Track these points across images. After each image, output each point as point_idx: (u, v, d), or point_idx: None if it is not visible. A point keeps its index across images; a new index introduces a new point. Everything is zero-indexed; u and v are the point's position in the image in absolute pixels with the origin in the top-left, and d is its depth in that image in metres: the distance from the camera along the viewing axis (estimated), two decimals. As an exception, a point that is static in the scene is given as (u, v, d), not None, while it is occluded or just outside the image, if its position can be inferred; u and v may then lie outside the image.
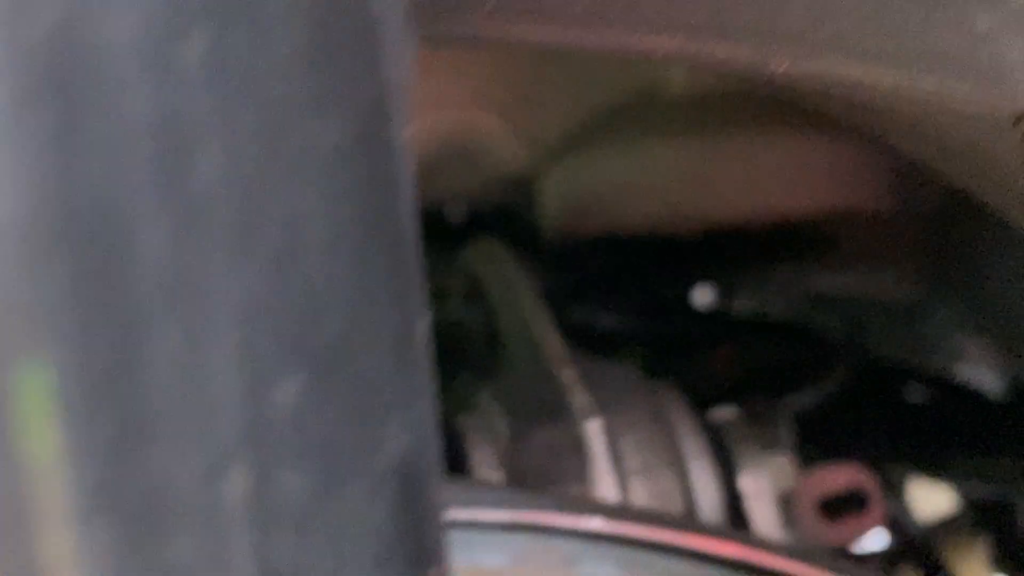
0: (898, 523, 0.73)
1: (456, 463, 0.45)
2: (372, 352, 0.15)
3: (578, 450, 0.42)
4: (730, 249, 0.84)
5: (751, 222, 0.76)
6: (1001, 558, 1.12)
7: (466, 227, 1.32)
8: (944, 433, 1.09)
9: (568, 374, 0.45)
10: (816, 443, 0.82)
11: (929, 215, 1.18)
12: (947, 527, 1.32)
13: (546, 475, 0.42)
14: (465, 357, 0.58)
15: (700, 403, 0.53)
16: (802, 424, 0.71)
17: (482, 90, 0.82)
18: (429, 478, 0.17)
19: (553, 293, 1.14)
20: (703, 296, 1.36)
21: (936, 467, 1.08)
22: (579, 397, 0.44)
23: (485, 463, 0.43)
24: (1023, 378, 1.15)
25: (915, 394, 1.15)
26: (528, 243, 1.25)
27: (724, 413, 0.46)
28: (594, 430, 0.42)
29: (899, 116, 0.38)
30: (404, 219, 0.16)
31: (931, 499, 1.38)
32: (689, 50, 0.33)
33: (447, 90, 0.82)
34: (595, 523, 0.33)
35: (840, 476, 0.54)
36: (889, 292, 1.24)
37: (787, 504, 0.48)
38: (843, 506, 0.55)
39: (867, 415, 1.08)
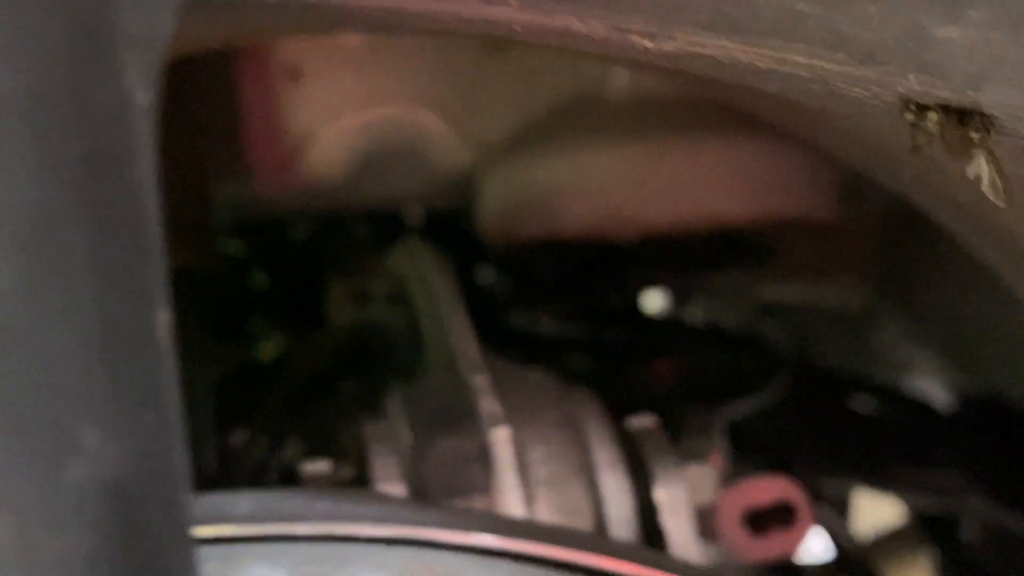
0: (837, 537, 0.71)
1: (359, 474, 0.43)
2: (53, 349, 0.13)
3: (484, 460, 0.40)
4: (677, 255, 0.82)
5: (693, 227, 0.74)
6: (945, 570, 1.11)
7: (424, 230, 1.29)
8: (889, 445, 1.07)
9: (480, 379, 0.43)
10: (757, 453, 0.80)
11: (874, 227, 1.17)
12: (891, 539, 1.31)
13: (450, 486, 0.39)
14: (388, 361, 0.56)
15: (636, 410, 0.51)
16: (743, 434, 0.69)
17: (424, 89, 0.80)
18: (156, 494, 0.14)
19: (497, 299, 1.12)
20: (654, 302, 1.35)
21: (881, 479, 1.07)
22: (488, 404, 0.41)
23: (387, 474, 0.40)
24: (969, 390, 1.14)
25: (861, 405, 1.13)
26: (477, 247, 1.22)
27: (642, 421, 0.44)
28: (501, 439, 0.40)
29: (804, 109, 0.36)
30: (121, 213, 0.13)
31: (876, 511, 1.37)
32: (541, 22, 0.31)
33: (388, 87, 0.80)
34: (484, 539, 0.31)
35: (766, 489, 0.52)
36: (835, 303, 1.23)
37: (709, 517, 0.46)
38: (770, 520, 0.53)
39: (812, 426, 1.07)
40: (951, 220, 0.51)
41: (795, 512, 0.52)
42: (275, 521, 0.31)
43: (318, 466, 0.41)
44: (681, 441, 0.52)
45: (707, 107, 0.77)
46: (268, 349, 1.14)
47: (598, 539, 0.37)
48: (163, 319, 0.14)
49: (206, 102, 0.72)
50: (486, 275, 1.30)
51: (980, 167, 0.26)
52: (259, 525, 0.31)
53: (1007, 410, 0.96)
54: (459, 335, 0.47)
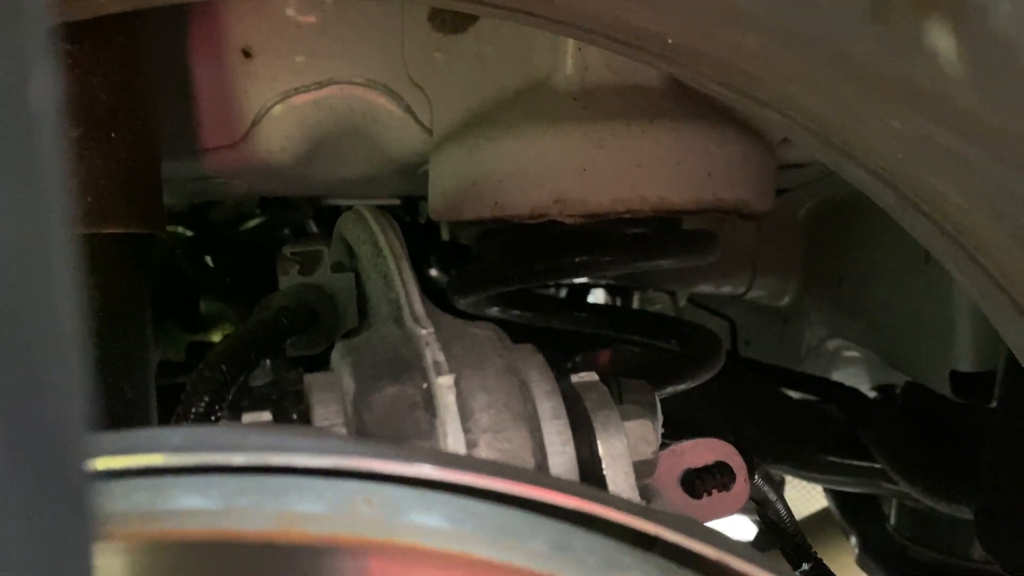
0: (771, 509, 0.70)
1: (302, 422, 0.40)
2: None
3: (427, 407, 0.38)
4: (621, 241, 0.80)
5: (635, 211, 0.73)
6: (866, 547, 1.11)
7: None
8: (817, 433, 1.08)
9: (425, 332, 0.41)
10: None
11: (803, 222, 1.18)
12: (818, 521, 1.32)
13: (392, 432, 0.37)
14: (332, 320, 0.53)
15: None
16: (675, 420, 0.67)
17: (376, 71, 0.78)
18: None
19: (441, 288, 1.10)
20: (595, 291, 1.33)
21: (808, 465, 1.07)
22: (432, 353, 0.39)
23: (328, 421, 0.38)
24: (891, 382, 1.14)
25: (791, 395, 1.13)
26: (423, 238, 1.20)
27: (586, 377, 0.42)
28: (444, 386, 0.38)
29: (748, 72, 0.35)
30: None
31: (803, 496, 1.37)
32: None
33: (340, 68, 0.77)
34: (425, 470, 0.29)
35: (705, 450, 0.50)
36: (766, 297, 1.23)
37: (647, 476, 0.44)
38: (708, 483, 0.52)
39: (742, 414, 1.07)
40: (881, 193, 0.50)
41: (733, 475, 0.51)
42: (208, 451, 0.29)
43: (259, 416, 0.39)
44: (622, 402, 0.50)
45: (652, 95, 0.76)
46: (223, 333, 1.11)
47: (541, 475, 0.36)
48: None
49: (158, 77, 0.69)
50: (431, 264, 1.28)
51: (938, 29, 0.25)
52: (191, 454, 0.28)
53: (927, 398, 0.97)
54: (405, 289, 0.45)
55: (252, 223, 1.32)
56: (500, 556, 0.27)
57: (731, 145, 0.76)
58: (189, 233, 1.13)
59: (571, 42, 0.76)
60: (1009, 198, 0.37)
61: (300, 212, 1.33)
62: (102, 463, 0.28)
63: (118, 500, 0.27)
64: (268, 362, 0.73)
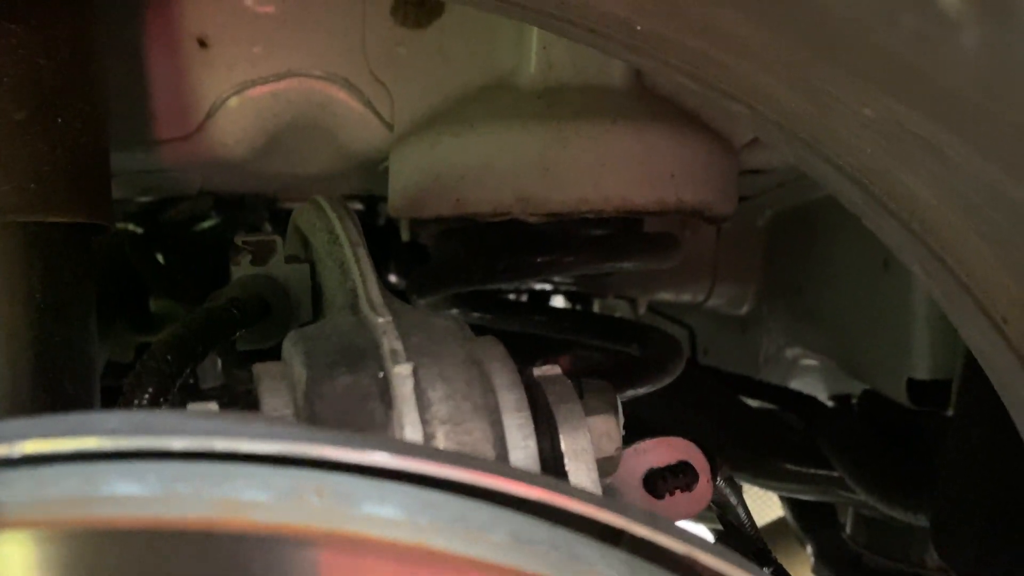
0: (727, 518, 0.69)
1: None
2: None
3: (383, 397, 0.36)
4: (583, 241, 0.79)
5: (598, 210, 0.72)
6: (823, 560, 1.11)
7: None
8: (775, 442, 1.07)
9: (382, 321, 0.39)
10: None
11: (763, 231, 1.18)
12: (775, 529, 1.31)
13: (346, 422, 0.35)
14: (284, 311, 0.51)
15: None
16: (635, 427, 0.66)
17: (336, 64, 0.76)
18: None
19: (401, 289, 1.08)
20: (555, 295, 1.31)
21: (766, 473, 1.07)
22: (388, 341, 0.38)
23: (277, 412, 0.36)
24: (848, 391, 1.15)
25: (749, 403, 1.13)
26: (382, 239, 1.17)
27: (549, 370, 0.41)
28: (401, 375, 0.36)
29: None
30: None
31: (762, 502, 1.37)
32: None
33: (299, 60, 0.75)
34: (377, 457, 0.27)
35: (668, 450, 0.49)
36: (725, 305, 1.23)
37: (609, 474, 0.43)
38: (670, 483, 0.51)
39: (701, 422, 1.06)
40: (848, 191, 0.49)
41: (696, 475, 0.50)
42: (146, 435, 0.26)
43: (204, 406, 0.37)
44: (584, 399, 0.49)
45: (616, 95, 0.75)
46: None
47: (503, 465, 0.34)
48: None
49: (109, 63, 0.67)
50: (391, 270, 1.26)
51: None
52: (127, 438, 0.26)
53: (883, 406, 0.97)
54: (362, 278, 0.43)
55: (206, 224, 1.28)
56: (459, 548, 0.25)
57: (694, 147, 0.75)
58: (139, 230, 1.10)
59: (536, 40, 0.75)
60: (982, 190, 0.36)
61: (255, 214, 1.31)
62: (31, 446, 0.26)
63: (46, 486, 0.25)
64: (219, 364, 0.70)
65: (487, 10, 0.50)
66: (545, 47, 0.75)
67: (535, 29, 0.73)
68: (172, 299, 0.96)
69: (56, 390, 0.59)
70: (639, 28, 0.42)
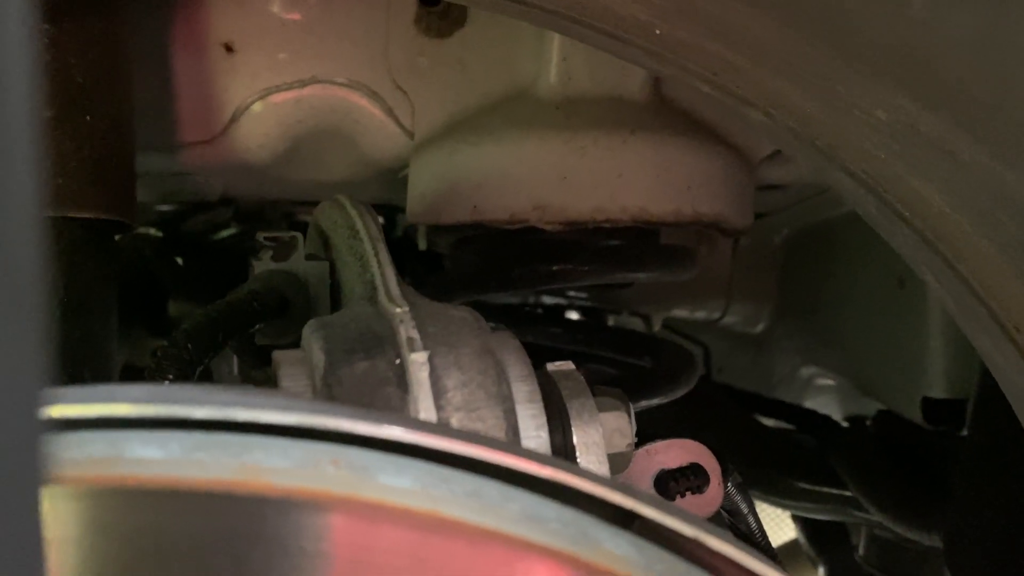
0: (737, 526, 0.69)
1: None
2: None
3: (399, 383, 0.37)
4: (600, 252, 0.80)
5: (615, 220, 0.73)
6: (835, 578, 1.11)
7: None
8: (788, 461, 1.07)
9: (399, 311, 0.40)
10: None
11: (779, 249, 1.18)
12: (787, 552, 1.31)
13: (363, 405, 0.36)
14: (304, 306, 0.52)
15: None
16: (647, 440, 0.67)
17: (359, 72, 0.77)
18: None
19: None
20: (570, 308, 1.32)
21: (779, 492, 1.06)
22: (405, 330, 0.38)
23: (295, 391, 0.37)
24: (863, 412, 1.14)
25: (763, 422, 1.13)
26: (400, 247, 1.19)
27: (562, 365, 0.42)
28: (417, 362, 0.37)
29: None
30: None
31: (774, 524, 1.36)
32: None
33: (322, 67, 0.77)
34: (394, 432, 0.28)
35: (679, 452, 0.50)
36: (740, 324, 1.23)
37: (621, 471, 0.43)
38: (681, 486, 0.51)
39: (714, 439, 1.06)
40: (863, 199, 0.50)
41: (707, 478, 0.50)
42: (169, 403, 0.27)
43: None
44: (596, 396, 0.49)
45: (634, 107, 0.76)
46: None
47: (513, 445, 0.35)
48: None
49: (137, 64, 0.68)
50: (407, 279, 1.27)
51: None
52: (150, 405, 0.27)
53: (898, 425, 0.96)
54: (381, 270, 0.44)
55: (226, 232, 1.30)
56: (472, 518, 0.26)
57: (712, 160, 0.76)
58: (160, 234, 1.11)
59: (556, 51, 0.76)
60: (992, 194, 0.37)
61: (275, 225, 1.32)
62: (57, 411, 0.27)
63: (72, 448, 0.26)
64: (236, 364, 0.71)
65: (509, 15, 0.51)
66: (565, 58, 0.76)
67: (555, 40, 0.74)
68: (190, 302, 0.97)
69: (76, 382, 0.60)
70: (658, 32, 0.43)
